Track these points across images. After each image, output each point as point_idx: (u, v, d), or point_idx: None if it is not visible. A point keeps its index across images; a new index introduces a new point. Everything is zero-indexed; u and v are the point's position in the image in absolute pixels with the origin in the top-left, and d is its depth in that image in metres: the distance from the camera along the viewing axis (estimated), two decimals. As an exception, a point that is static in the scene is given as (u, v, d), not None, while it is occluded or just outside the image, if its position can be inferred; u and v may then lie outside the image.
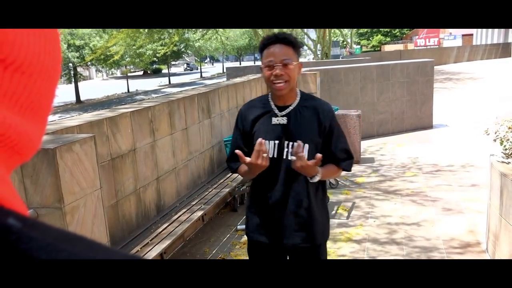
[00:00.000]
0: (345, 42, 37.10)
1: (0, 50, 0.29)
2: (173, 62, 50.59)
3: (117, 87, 37.51)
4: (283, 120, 2.09)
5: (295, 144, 2.00)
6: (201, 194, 4.60)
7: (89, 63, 28.26)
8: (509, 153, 3.58)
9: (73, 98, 28.88)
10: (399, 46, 37.04)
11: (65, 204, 2.17)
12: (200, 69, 51.35)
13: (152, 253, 3.27)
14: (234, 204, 5.16)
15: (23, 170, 2.14)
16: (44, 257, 0.26)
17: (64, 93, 28.00)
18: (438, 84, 16.09)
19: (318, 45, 20.41)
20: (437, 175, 6.05)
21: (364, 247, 4.02)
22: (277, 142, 2.08)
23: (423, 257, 3.78)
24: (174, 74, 51.13)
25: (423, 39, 36.73)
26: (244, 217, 5.07)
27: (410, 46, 36.86)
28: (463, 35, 39.02)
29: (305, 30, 26.19)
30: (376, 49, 39.96)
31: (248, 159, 1.96)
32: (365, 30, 41.74)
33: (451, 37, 38.55)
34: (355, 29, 38.07)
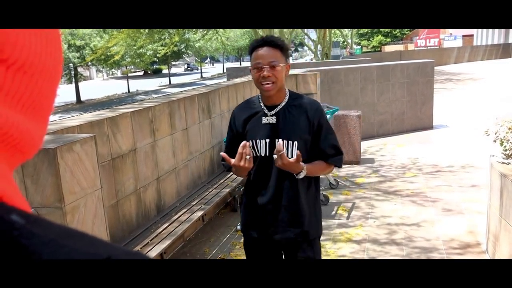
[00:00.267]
0: (345, 43, 37.11)
1: (3, 50, 0.29)
2: (173, 63, 50.59)
3: (118, 87, 37.50)
4: (273, 119, 2.17)
5: (285, 142, 2.12)
6: (201, 194, 4.60)
7: (89, 63, 28.27)
8: (509, 154, 3.58)
9: (73, 98, 28.88)
10: (399, 47, 37.05)
11: (66, 204, 2.17)
12: (201, 69, 51.33)
13: (152, 253, 3.28)
14: (234, 204, 5.16)
15: (24, 170, 2.14)
16: (46, 252, 0.26)
17: (64, 93, 28.00)
18: (438, 84, 16.09)
19: (319, 45, 20.42)
20: (437, 176, 6.05)
21: (364, 248, 4.02)
22: (268, 140, 2.17)
23: (423, 257, 3.78)
24: (175, 75, 51.12)
25: (424, 39, 36.73)
26: (244, 217, 5.06)
27: (411, 47, 36.87)
28: (463, 36, 39.02)
29: (306, 30, 26.20)
30: (376, 49, 39.97)
31: (232, 160, 2.03)
32: (366, 30, 41.74)
33: (452, 37, 38.53)
34: (355, 30, 38.09)
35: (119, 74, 52.91)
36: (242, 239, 4.30)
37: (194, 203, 4.37)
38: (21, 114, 0.32)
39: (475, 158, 6.61)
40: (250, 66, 2.14)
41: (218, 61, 70.27)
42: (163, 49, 21.51)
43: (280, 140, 2.08)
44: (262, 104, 2.22)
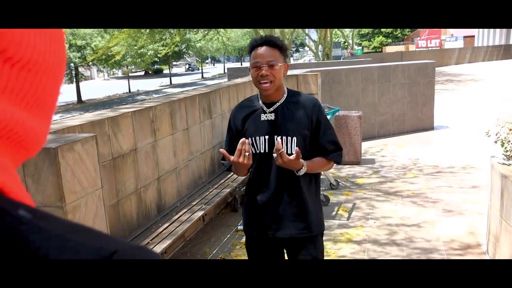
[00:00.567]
0: (346, 43, 37.09)
1: (8, 49, 0.30)
2: (174, 63, 50.58)
3: (118, 87, 37.52)
4: (271, 116, 2.19)
5: (284, 138, 2.14)
6: (201, 194, 4.60)
7: (90, 63, 28.27)
8: (510, 155, 3.58)
9: (74, 98, 28.90)
10: (400, 48, 37.00)
11: (67, 203, 2.18)
12: (201, 69, 51.35)
13: (152, 253, 3.27)
14: (235, 204, 5.17)
15: (25, 169, 2.14)
16: (53, 247, 0.26)
17: (65, 93, 27.99)
18: (439, 85, 16.08)
19: (320, 46, 20.41)
20: (438, 177, 6.05)
21: (364, 248, 4.02)
22: (267, 137, 2.18)
23: (423, 258, 3.78)
24: (175, 75, 51.13)
25: (425, 40, 36.70)
26: (245, 217, 5.06)
27: (412, 48, 36.81)
28: (464, 37, 38.97)
29: (306, 30, 26.21)
30: (377, 50, 39.92)
31: (232, 157, 2.04)
32: (367, 31, 41.71)
33: (453, 38, 38.49)
34: (356, 30, 38.09)
35: (120, 74, 52.92)
36: (243, 239, 4.32)
37: (194, 203, 4.37)
38: (25, 112, 0.32)
39: (475, 159, 6.61)
40: (249, 65, 2.17)
41: (219, 61, 70.28)
42: (164, 49, 21.52)
43: (279, 138, 2.10)
44: (260, 102, 2.24)
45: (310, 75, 6.98)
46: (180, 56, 41.85)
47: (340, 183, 5.84)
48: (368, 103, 8.46)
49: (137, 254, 0.29)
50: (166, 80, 41.77)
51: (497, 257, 3.53)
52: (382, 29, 39.88)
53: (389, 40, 42.27)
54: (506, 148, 3.62)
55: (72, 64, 27.45)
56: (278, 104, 2.20)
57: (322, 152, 2.21)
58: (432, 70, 8.99)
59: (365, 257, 3.86)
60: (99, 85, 44.43)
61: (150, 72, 54.07)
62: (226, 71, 29.60)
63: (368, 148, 7.78)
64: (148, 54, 30.10)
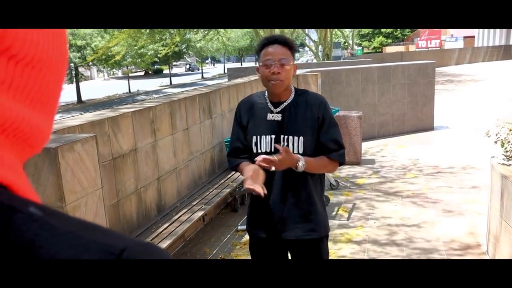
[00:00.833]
0: (346, 44, 37.09)
1: (12, 46, 0.30)
2: (174, 63, 50.61)
3: (118, 87, 37.53)
4: (278, 117, 2.17)
5: (291, 138, 2.11)
6: (201, 194, 4.60)
7: (90, 63, 28.27)
8: (510, 155, 3.58)
9: (74, 98, 28.90)
10: (400, 48, 37.00)
11: (67, 203, 2.18)
12: (201, 69, 51.36)
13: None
14: (235, 204, 5.17)
15: (25, 169, 2.13)
16: (65, 244, 0.27)
17: (65, 93, 27.97)
18: (439, 86, 16.09)
19: (320, 46, 20.41)
20: (438, 177, 6.05)
21: (364, 248, 4.02)
22: (273, 136, 2.15)
23: (423, 258, 3.78)
24: (175, 75, 51.14)
25: (425, 40, 36.71)
26: (245, 217, 5.07)
27: (412, 48, 36.82)
28: (464, 37, 38.97)
29: (306, 31, 26.21)
30: (377, 50, 39.93)
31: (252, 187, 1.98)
32: (367, 31, 41.72)
33: (453, 39, 38.50)
34: (356, 31, 38.08)
35: (120, 74, 52.93)
36: (243, 239, 4.33)
37: (194, 203, 4.37)
38: (29, 109, 0.33)
39: (475, 159, 6.61)
40: (259, 63, 2.13)
41: (219, 61, 70.28)
42: (164, 49, 21.52)
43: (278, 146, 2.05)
44: (267, 100, 2.21)
45: (310, 75, 6.98)
46: (180, 56, 41.86)
47: (340, 183, 5.84)
48: (368, 103, 8.46)
49: (144, 251, 0.30)
50: (166, 80, 41.77)
51: (497, 257, 3.53)
52: (382, 30, 39.89)
53: (389, 41, 42.28)
54: (506, 148, 3.62)
55: (72, 64, 27.45)
56: (285, 104, 2.17)
57: (323, 151, 2.17)
58: (432, 70, 8.99)
59: (365, 257, 3.86)
60: (99, 85, 44.44)
61: (150, 72, 54.09)
62: (226, 71, 29.61)
63: (368, 148, 7.78)
64: (148, 54, 30.11)
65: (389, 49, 36.41)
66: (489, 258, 3.71)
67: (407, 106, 8.83)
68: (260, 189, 1.95)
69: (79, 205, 2.26)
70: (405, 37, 43.79)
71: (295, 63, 2.18)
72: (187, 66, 63.57)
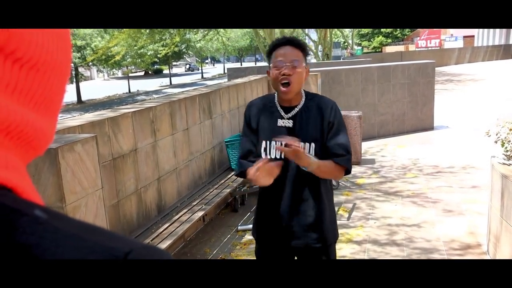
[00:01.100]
0: (346, 43, 37.09)
1: (18, 49, 0.30)
2: (174, 63, 50.62)
3: (118, 87, 37.52)
4: (289, 123, 2.10)
5: (302, 144, 2.01)
6: (202, 195, 4.60)
7: (90, 63, 28.28)
8: (510, 155, 3.58)
9: (74, 98, 28.91)
10: (400, 48, 37.02)
11: (67, 203, 2.18)
12: (201, 69, 51.36)
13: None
14: (235, 204, 5.17)
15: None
16: (70, 246, 0.27)
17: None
18: (439, 85, 16.09)
19: (319, 46, 20.40)
20: (438, 177, 6.05)
21: (364, 248, 4.02)
22: (283, 143, 2.07)
23: (423, 258, 3.78)
24: (175, 75, 51.13)
25: (424, 40, 36.72)
26: (245, 217, 5.06)
27: (411, 48, 36.84)
28: (464, 37, 38.97)
29: (306, 31, 26.19)
30: (377, 50, 39.93)
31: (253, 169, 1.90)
32: (366, 31, 41.72)
33: (452, 38, 38.49)
34: (356, 30, 38.09)
35: (119, 74, 52.94)
36: (243, 239, 4.33)
37: (194, 203, 4.37)
38: (34, 112, 0.33)
39: (475, 159, 6.61)
40: (271, 64, 2.05)
41: (218, 61, 70.28)
42: (164, 49, 21.50)
43: (302, 143, 1.99)
44: (278, 104, 2.14)
45: (310, 75, 6.98)
46: (180, 56, 41.86)
47: (340, 183, 5.84)
48: (368, 103, 8.46)
49: (148, 254, 0.30)
50: (166, 80, 41.77)
51: (497, 257, 3.53)
52: (382, 29, 39.89)
53: (389, 40, 42.29)
54: (506, 148, 3.62)
55: (72, 64, 27.42)
56: (296, 110, 2.10)
57: (329, 154, 2.10)
58: (432, 70, 8.99)
59: (365, 257, 3.86)
60: (99, 85, 44.43)
61: (150, 72, 54.09)
62: (226, 71, 29.60)
63: (368, 148, 7.78)
64: (148, 54, 30.11)
65: (389, 49, 36.44)
66: (489, 258, 3.71)
67: (407, 106, 8.83)
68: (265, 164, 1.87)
69: (79, 205, 2.26)
70: (405, 36, 43.80)
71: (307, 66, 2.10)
72: (187, 66, 63.59)
